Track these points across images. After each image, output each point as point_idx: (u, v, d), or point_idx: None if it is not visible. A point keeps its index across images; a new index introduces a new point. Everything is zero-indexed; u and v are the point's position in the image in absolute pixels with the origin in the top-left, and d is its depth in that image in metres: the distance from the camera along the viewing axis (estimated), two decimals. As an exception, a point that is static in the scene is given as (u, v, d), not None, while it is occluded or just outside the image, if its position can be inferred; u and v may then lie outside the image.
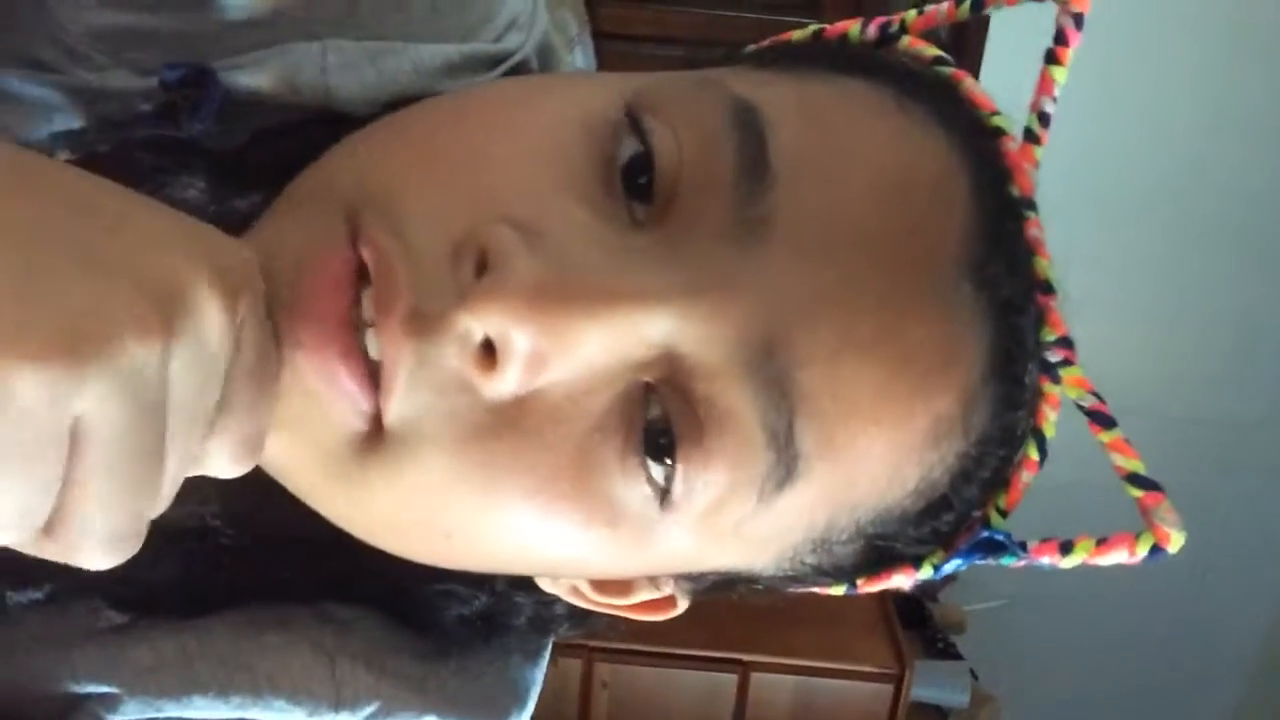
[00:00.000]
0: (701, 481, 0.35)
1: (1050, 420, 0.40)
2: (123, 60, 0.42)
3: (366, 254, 0.33)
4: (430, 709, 0.44)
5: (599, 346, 0.33)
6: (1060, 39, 0.41)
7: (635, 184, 0.35)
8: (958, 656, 2.17)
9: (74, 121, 0.42)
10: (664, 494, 0.35)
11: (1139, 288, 2.18)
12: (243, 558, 0.44)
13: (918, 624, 2.17)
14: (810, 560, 0.39)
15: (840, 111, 0.37)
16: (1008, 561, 0.40)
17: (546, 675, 0.51)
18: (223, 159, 0.42)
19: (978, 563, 0.41)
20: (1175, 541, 0.37)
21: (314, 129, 0.40)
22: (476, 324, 0.32)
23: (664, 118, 0.35)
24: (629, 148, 0.35)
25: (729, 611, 1.72)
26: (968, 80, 0.43)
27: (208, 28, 0.42)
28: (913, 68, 0.42)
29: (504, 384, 0.33)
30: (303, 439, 0.35)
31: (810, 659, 1.85)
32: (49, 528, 0.26)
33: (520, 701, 0.49)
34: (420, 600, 0.46)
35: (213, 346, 0.28)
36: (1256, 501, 2.37)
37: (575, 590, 0.44)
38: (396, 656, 0.44)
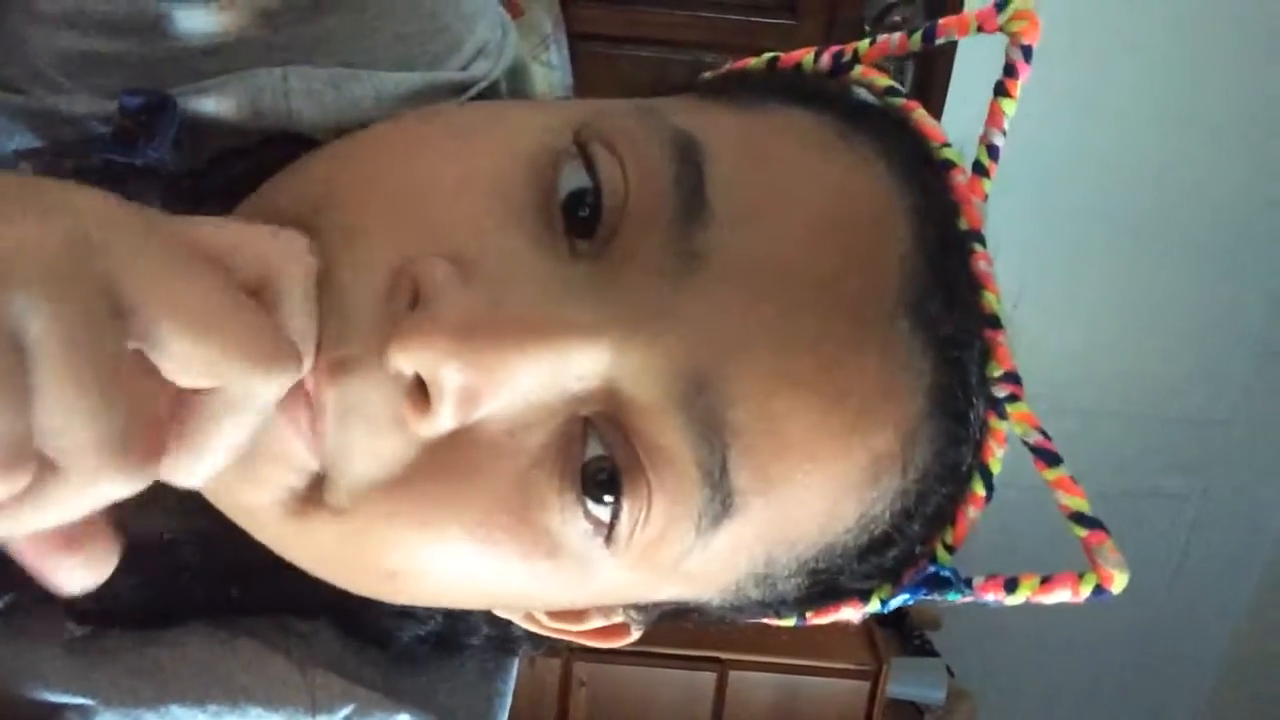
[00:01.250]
0: (639, 518, 0.34)
1: (996, 456, 0.40)
2: (86, 84, 0.42)
3: None
4: (403, 708, 0.44)
5: (533, 381, 0.33)
6: (1009, 71, 0.41)
7: (576, 216, 0.35)
8: (933, 653, 2.18)
9: (33, 142, 0.42)
10: (603, 530, 0.35)
11: (1108, 290, 2.19)
12: (202, 572, 0.44)
13: (894, 622, 2.18)
14: (754, 594, 0.39)
15: (782, 145, 0.37)
16: (953, 598, 0.40)
17: (524, 673, 0.51)
18: (179, 183, 0.42)
19: (925, 598, 0.41)
20: (1118, 582, 0.37)
21: (272, 150, 0.40)
22: (406, 361, 0.32)
23: (610, 149, 0.35)
24: (571, 180, 0.35)
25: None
26: (918, 112, 0.43)
27: (170, 53, 0.42)
28: (862, 99, 0.42)
29: (437, 422, 0.32)
30: (243, 478, 0.34)
31: (787, 657, 1.86)
32: (46, 464, 0.25)
33: (491, 711, 0.49)
34: (374, 621, 0.46)
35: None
36: (1227, 498, 2.39)
37: (529, 616, 0.44)
38: (362, 663, 0.45)
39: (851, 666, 1.88)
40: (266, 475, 0.34)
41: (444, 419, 0.32)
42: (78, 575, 0.28)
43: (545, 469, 0.34)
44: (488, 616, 0.47)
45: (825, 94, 0.41)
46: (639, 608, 0.43)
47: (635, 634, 0.45)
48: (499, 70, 0.48)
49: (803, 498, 0.35)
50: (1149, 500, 2.31)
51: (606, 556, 0.36)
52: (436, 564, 0.35)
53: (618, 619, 0.44)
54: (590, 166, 0.35)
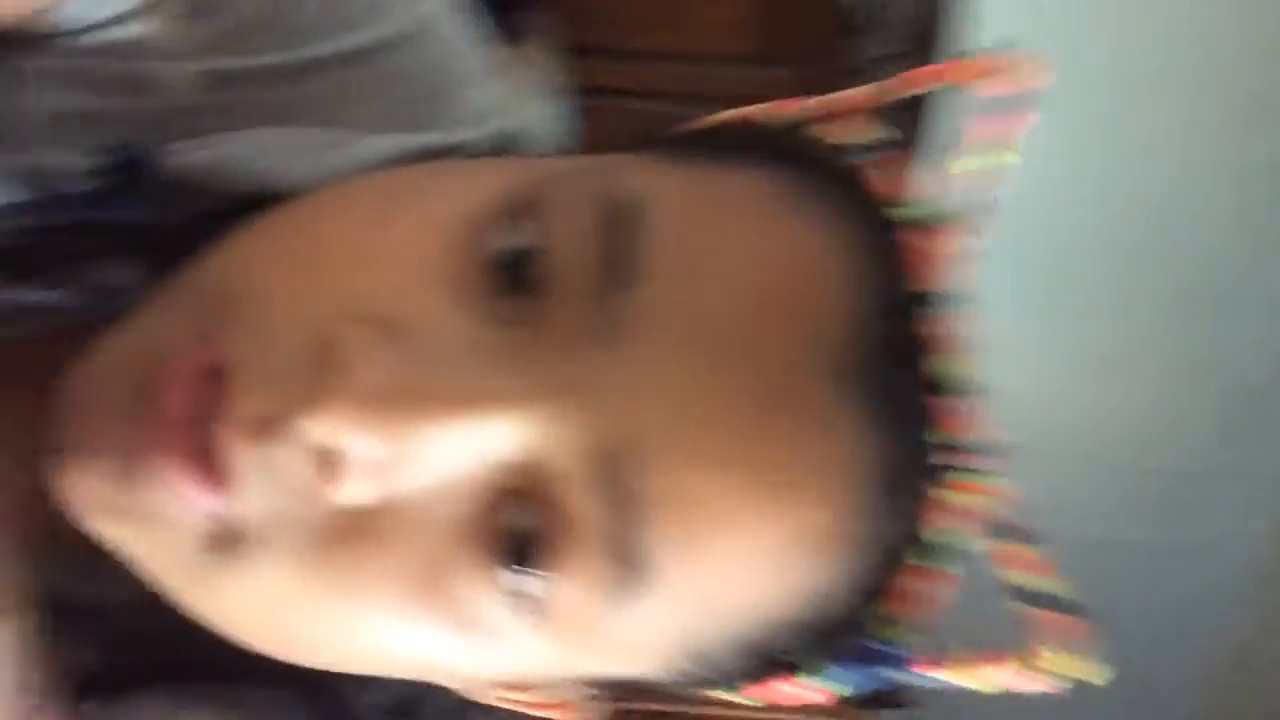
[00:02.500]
0: (553, 591, 0.33)
1: (943, 528, 0.38)
2: (73, 142, 0.42)
3: (213, 352, 0.33)
4: None
5: (448, 453, 0.32)
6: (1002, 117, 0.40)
7: (509, 279, 0.34)
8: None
9: (15, 197, 0.42)
10: (521, 603, 0.34)
11: (1096, 336, 2.18)
12: (149, 640, 0.43)
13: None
14: (690, 669, 0.38)
15: (726, 208, 0.36)
16: (888, 674, 0.39)
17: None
18: (157, 242, 0.42)
19: (864, 676, 0.39)
20: (1060, 665, 0.36)
21: (254, 211, 0.39)
22: (313, 428, 0.31)
23: (541, 213, 0.34)
24: (499, 241, 0.34)
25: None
26: (886, 170, 0.41)
27: (159, 111, 0.42)
28: (824, 157, 0.41)
29: (344, 494, 0.32)
30: (151, 538, 0.35)
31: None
32: None
33: None
34: (334, 688, 0.45)
35: None
36: (1212, 547, 2.38)
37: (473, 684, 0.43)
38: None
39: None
40: (170, 531, 0.34)
41: (350, 491, 0.32)
42: None
43: (464, 543, 0.33)
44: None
45: (786, 152, 0.40)
46: (587, 681, 0.42)
47: (592, 714, 0.44)
48: (489, 132, 0.47)
49: (725, 572, 0.34)
50: (1141, 548, 2.30)
51: (525, 630, 0.35)
52: (350, 633, 0.35)
53: (566, 695, 0.43)
54: (516, 231, 0.34)
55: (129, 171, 0.40)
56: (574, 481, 0.32)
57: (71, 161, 0.41)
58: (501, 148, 0.49)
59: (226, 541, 0.33)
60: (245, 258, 0.35)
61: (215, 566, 0.34)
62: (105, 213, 0.41)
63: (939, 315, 0.39)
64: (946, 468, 0.38)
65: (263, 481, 0.32)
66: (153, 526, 0.34)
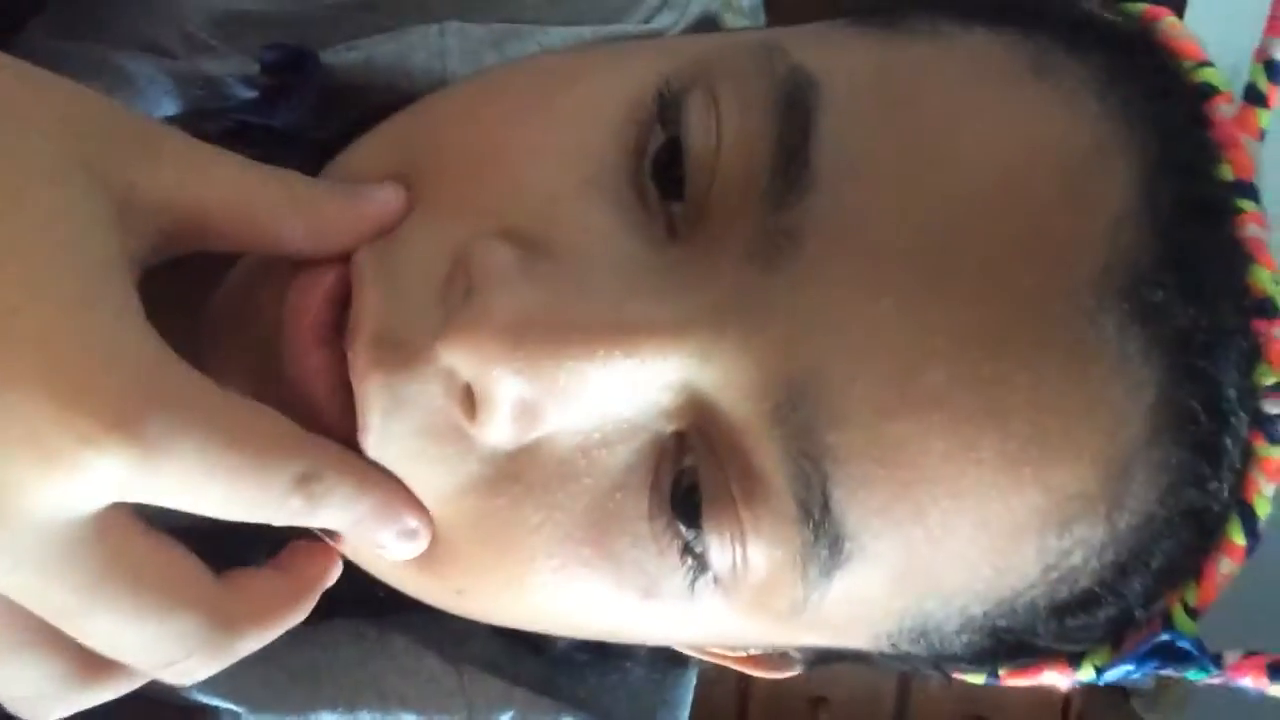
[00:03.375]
0: (736, 559, 0.28)
1: (1264, 494, 0.30)
2: (238, 46, 0.40)
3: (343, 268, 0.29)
4: (565, 711, 0.41)
5: (606, 392, 0.27)
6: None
7: (669, 180, 0.29)
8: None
9: (177, 108, 0.41)
10: (700, 567, 0.29)
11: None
12: (349, 566, 0.40)
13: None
14: (915, 649, 0.32)
15: (937, 84, 0.29)
16: (1196, 677, 0.31)
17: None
18: (320, 150, 0.38)
19: (1158, 673, 0.31)
20: None
21: None
22: (453, 359, 0.27)
23: (705, 99, 0.29)
24: (658, 136, 0.29)
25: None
26: (1166, 21, 0.32)
27: (324, 12, 0.40)
28: (1084, 10, 0.32)
29: (490, 435, 0.28)
30: None
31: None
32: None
33: (670, 704, 0.45)
34: None
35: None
36: None
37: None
38: (519, 664, 0.41)
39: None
40: None
41: (496, 433, 0.27)
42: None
43: (631, 494, 0.29)
44: None
45: (1025, 5, 0.32)
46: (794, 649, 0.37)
47: (796, 670, 0.39)
48: (686, 20, 0.43)
49: (948, 544, 0.28)
50: None
51: (715, 598, 0.30)
52: (504, 589, 0.31)
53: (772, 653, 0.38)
54: (671, 124, 0.29)
55: (291, 72, 0.38)
56: (755, 430, 0.27)
57: (232, 67, 0.40)
58: (699, 32, 0.43)
59: None
60: (388, 161, 0.32)
61: None
62: (263, 116, 0.38)
63: (1254, 212, 0.30)
64: (1261, 416, 0.29)
65: (395, 416, 0.28)
66: None
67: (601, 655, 0.43)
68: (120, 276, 0.24)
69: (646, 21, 0.42)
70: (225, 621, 0.26)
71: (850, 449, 0.27)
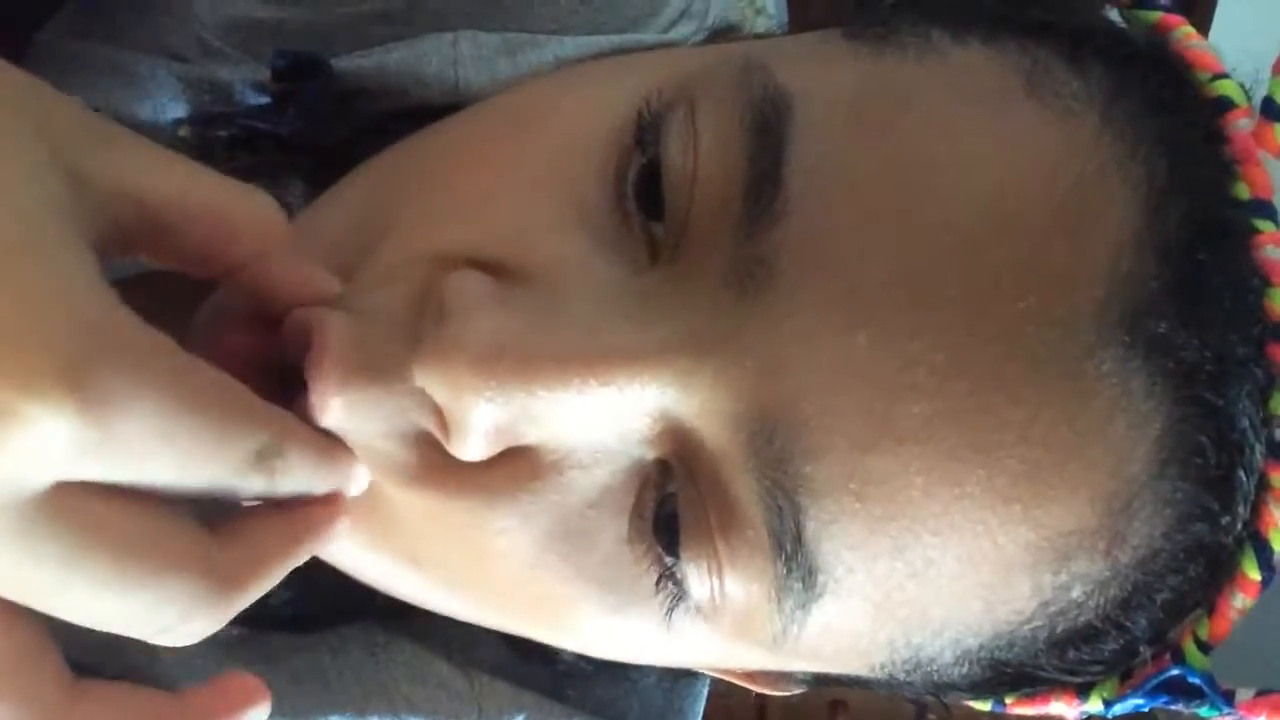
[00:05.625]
0: (716, 587, 0.28)
1: (1279, 524, 0.28)
2: (251, 53, 0.40)
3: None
4: (576, 714, 0.41)
5: (580, 419, 0.27)
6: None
7: (645, 205, 0.28)
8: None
9: (185, 111, 0.41)
10: (677, 593, 0.29)
11: None
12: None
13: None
14: (911, 679, 0.31)
15: (921, 104, 0.28)
16: (1207, 715, 0.30)
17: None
18: (328, 157, 0.39)
19: (1170, 708, 0.30)
20: None
21: (430, 119, 0.35)
22: (426, 383, 0.26)
23: (685, 119, 0.28)
24: (635, 158, 0.29)
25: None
26: (1181, 31, 0.31)
27: (337, 21, 0.40)
28: (1090, 21, 0.31)
29: (463, 454, 0.27)
30: None
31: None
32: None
33: (682, 713, 0.44)
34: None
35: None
36: None
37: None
38: (528, 667, 0.41)
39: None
40: None
41: (469, 452, 0.27)
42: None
43: (606, 514, 0.28)
44: None
45: (1026, 15, 0.30)
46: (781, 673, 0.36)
47: (799, 689, 0.38)
48: (703, 34, 0.42)
49: (932, 579, 0.27)
50: None
51: (698, 624, 0.30)
52: (467, 584, 0.31)
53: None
54: (649, 147, 0.28)
55: (301, 78, 0.38)
56: (731, 459, 0.27)
57: (243, 73, 0.40)
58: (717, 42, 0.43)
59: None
60: (381, 188, 0.32)
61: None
62: (272, 123, 0.38)
63: (1272, 233, 0.29)
64: (1277, 447, 0.28)
65: (366, 419, 0.27)
66: None
67: (609, 666, 0.42)
68: (73, 232, 0.22)
69: (665, 31, 0.41)
70: (222, 578, 0.25)
71: (825, 482, 0.26)
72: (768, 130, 0.27)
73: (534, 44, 0.39)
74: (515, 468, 0.28)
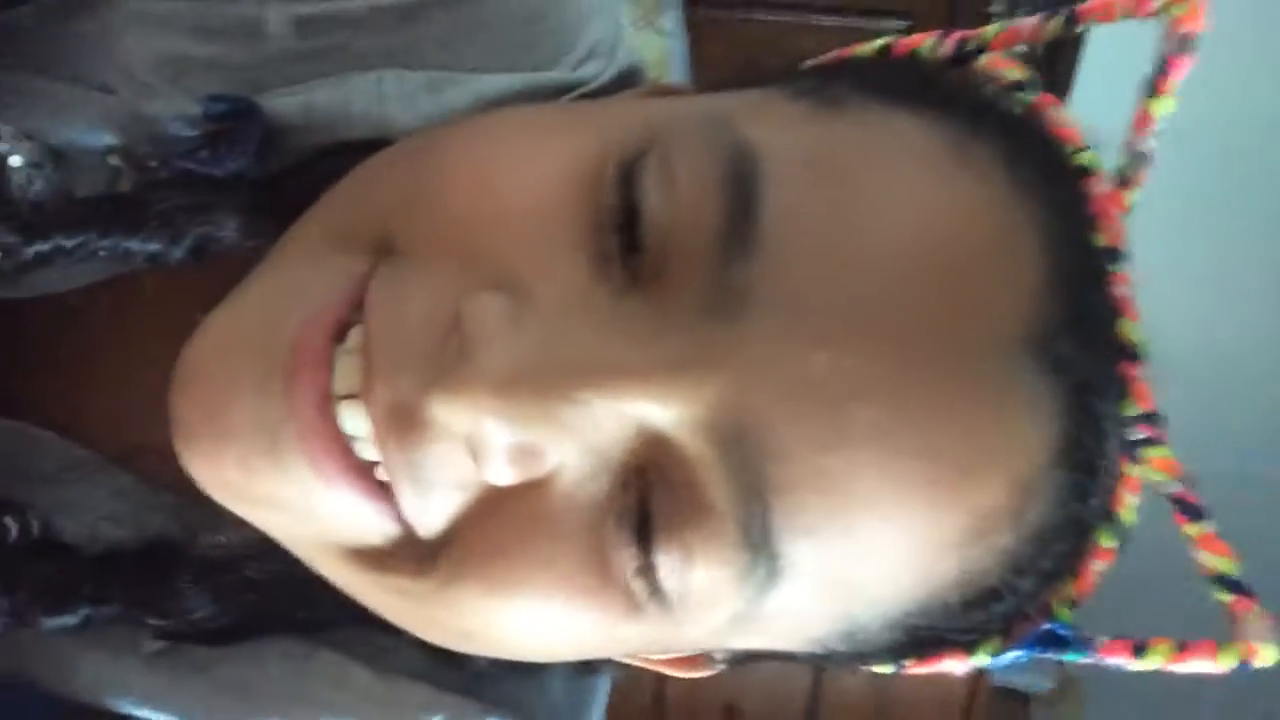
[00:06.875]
0: (684, 577, 0.32)
1: (1128, 505, 0.36)
2: (178, 88, 0.41)
3: (359, 327, 0.32)
4: (493, 711, 0.43)
5: (588, 430, 0.31)
6: (1161, 68, 0.36)
7: (628, 239, 0.32)
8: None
9: (116, 139, 0.42)
10: (652, 585, 0.32)
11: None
12: (271, 589, 0.42)
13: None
14: (842, 648, 0.36)
15: (868, 160, 0.33)
16: (1073, 658, 0.37)
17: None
18: (260, 194, 0.41)
19: (1040, 656, 0.37)
20: (1266, 655, 0.33)
21: (359, 158, 0.38)
22: (448, 416, 0.30)
23: (659, 168, 0.32)
24: (616, 198, 0.32)
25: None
26: (1052, 110, 0.38)
27: (263, 59, 0.41)
28: (986, 98, 0.37)
29: (492, 477, 0.31)
30: (292, 523, 0.35)
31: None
32: None
33: (584, 709, 0.48)
34: None
35: None
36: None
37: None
38: (443, 671, 0.43)
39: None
40: (337, 536, 0.34)
41: (496, 475, 0.31)
42: None
43: (613, 520, 0.32)
44: None
45: (941, 93, 0.36)
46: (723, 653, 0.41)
47: (717, 669, 0.43)
48: (612, 69, 0.45)
49: (877, 560, 0.32)
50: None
51: (661, 613, 0.33)
52: (514, 627, 0.34)
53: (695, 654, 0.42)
54: (630, 189, 0.32)
55: (235, 120, 0.40)
56: (703, 463, 0.31)
57: (172, 109, 0.41)
58: (625, 82, 0.46)
59: (421, 549, 0.33)
60: (388, 207, 0.34)
61: (381, 561, 0.34)
62: (208, 165, 0.40)
63: (1122, 274, 0.36)
64: (1134, 442, 0.35)
65: (420, 479, 0.32)
66: (295, 515, 0.34)
67: (518, 667, 0.44)
68: None
69: (574, 70, 0.44)
70: None
71: (790, 480, 0.30)
72: (741, 181, 0.31)
73: (454, 82, 0.41)
74: (543, 497, 0.32)
